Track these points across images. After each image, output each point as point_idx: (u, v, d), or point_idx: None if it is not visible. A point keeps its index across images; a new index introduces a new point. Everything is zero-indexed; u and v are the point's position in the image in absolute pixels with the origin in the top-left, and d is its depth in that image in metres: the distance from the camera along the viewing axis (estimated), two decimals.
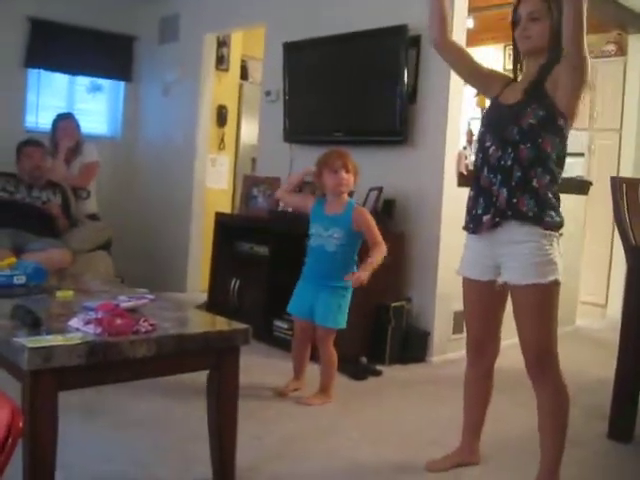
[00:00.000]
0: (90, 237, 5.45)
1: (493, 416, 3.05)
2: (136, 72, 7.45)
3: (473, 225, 2.73)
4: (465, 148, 6.94)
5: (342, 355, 4.18)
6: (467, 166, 4.92)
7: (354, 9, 5.28)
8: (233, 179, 7.43)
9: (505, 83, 2.79)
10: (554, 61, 2.56)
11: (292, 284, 3.94)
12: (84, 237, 5.36)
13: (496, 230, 2.63)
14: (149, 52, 7.38)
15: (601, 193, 5.28)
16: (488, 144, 2.68)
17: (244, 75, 7.66)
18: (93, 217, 5.88)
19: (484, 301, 2.81)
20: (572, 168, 5.72)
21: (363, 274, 3.63)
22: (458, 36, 4.74)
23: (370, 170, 4.98)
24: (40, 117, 6.79)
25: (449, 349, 4.81)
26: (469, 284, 2.83)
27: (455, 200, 4.73)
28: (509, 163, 2.59)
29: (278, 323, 4.89)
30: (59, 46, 6.75)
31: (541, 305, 2.60)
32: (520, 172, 2.57)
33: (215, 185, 7.15)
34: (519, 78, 2.78)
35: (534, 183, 2.56)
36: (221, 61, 7.14)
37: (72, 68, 6.99)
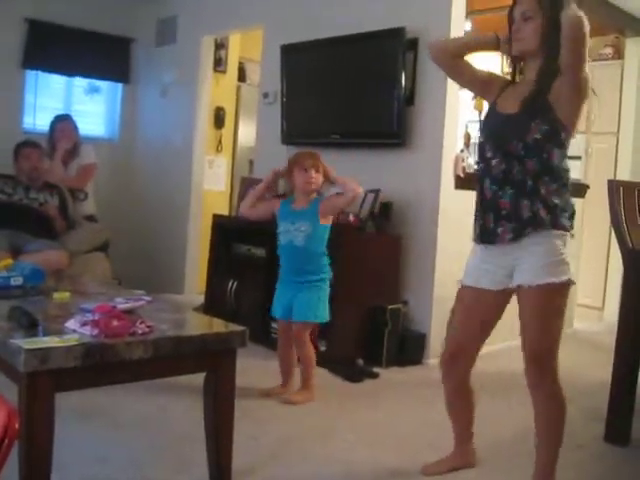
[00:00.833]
0: (87, 239, 5.45)
1: (488, 419, 3.05)
2: (134, 74, 7.45)
3: (488, 239, 2.69)
4: (462, 151, 6.93)
5: (338, 357, 4.19)
6: (464, 169, 4.92)
7: (352, 11, 5.29)
8: (230, 181, 7.43)
9: (502, 86, 2.77)
10: (552, 69, 2.55)
11: None
12: (81, 238, 5.36)
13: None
14: (147, 54, 7.38)
15: (598, 196, 5.28)
16: (489, 155, 2.67)
17: (242, 77, 7.67)
18: (91, 219, 5.88)
19: (485, 311, 2.78)
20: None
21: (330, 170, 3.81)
22: None
23: (367, 172, 4.99)
24: (38, 118, 6.79)
25: None
26: (473, 293, 2.78)
27: (452, 203, 4.74)
28: (517, 176, 2.59)
29: (275, 325, 4.87)
30: (57, 47, 6.76)
31: (551, 305, 2.58)
32: (529, 184, 2.57)
33: (213, 187, 7.16)
34: (517, 79, 2.77)
35: (544, 192, 2.57)
36: (219, 63, 7.15)
37: (70, 69, 6.99)
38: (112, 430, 3.20)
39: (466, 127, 7.26)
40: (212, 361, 2.47)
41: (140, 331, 2.25)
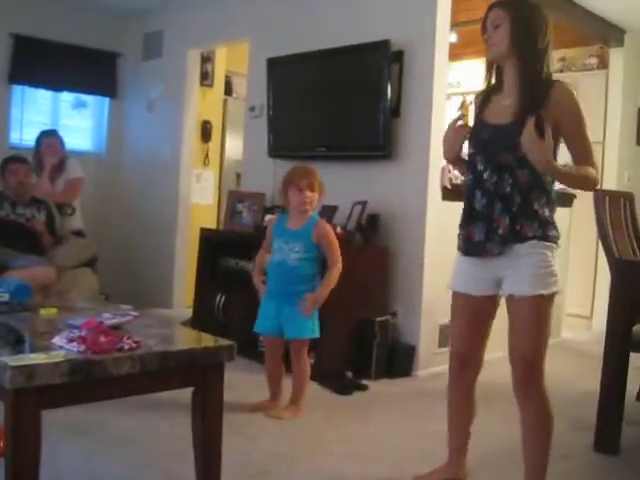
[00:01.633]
0: (75, 254, 5.43)
1: (480, 430, 3.04)
2: (120, 88, 7.45)
3: (475, 251, 2.70)
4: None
5: (327, 370, 4.17)
6: (451, 180, 4.93)
7: (337, 25, 5.32)
8: (218, 194, 7.43)
9: (484, 98, 2.80)
10: (531, 72, 2.60)
11: None
12: (69, 254, 5.34)
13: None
14: (133, 68, 7.39)
15: (585, 206, 5.29)
16: (481, 167, 2.69)
17: (228, 91, 7.68)
18: (78, 233, 5.85)
19: (476, 316, 2.80)
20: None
21: (319, 296, 3.72)
22: (441, 51, 4.79)
23: (354, 185, 5.00)
24: (24, 133, 6.79)
25: (435, 363, 4.81)
26: (462, 299, 2.81)
27: (439, 214, 4.74)
28: (508, 190, 2.61)
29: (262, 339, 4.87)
30: (43, 62, 6.76)
31: (539, 317, 2.60)
32: (520, 198, 2.60)
33: (200, 200, 7.15)
34: (493, 81, 2.79)
35: (535, 206, 2.60)
36: (205, 77, 7.16)
37: (56, 84, 6.99)
38: (100, 447, 3.18)
39: None
40: (200, 376, 2.45)
41: (127, 346, 2.23)
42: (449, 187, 4.87)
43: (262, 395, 3.96)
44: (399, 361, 4.72)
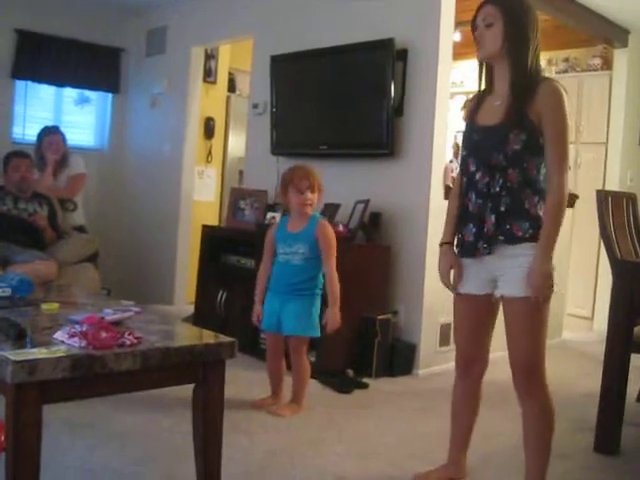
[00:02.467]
0: (76, 249, 5.42)
1: (481, 430, 3.04)
2: (123, 84, 7.45)
3: (468, 252, 2.72)
4: (452, 161, 6.96)
5: (328, 368, 4.17)
6: (453, 179, 4.93)
7: (341, 22, 5.31)
8: (220, 191, 7.43)
9: (477, 102, 2.80)
10: (521, 74, 2.60)
11: None
12: (70, 249, 5.34)
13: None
14: (137, 64, 7.39)
15: (587, 206, 5.30)
16: (473, 169, 2.69)
17: (232, 87, 7.68)
18: (80, 229, 5.85)
19: (477, 316, 2.80)
20: None
21: (335, 314, 3.72)
22: (445, 50, 4.78)
23: (357, 183, 5.00)
24: (27, 129, 6.79)
25: (436, 362, 4.81)
26: (463, 299, 2.82)
27: (442, 213, 4.66)
28: (497, 189, 2.61)
29: (264, 335, 4.86)
30: (47, 58, 6.77)
31: (532, 318, 2.59)
32: (510, 197, 2.59)
33: (202, 197, 7.16)
34: (483, 85, 2.79)
35: (526, 205, 2.59)
36: (209, 73, 7.16)
37: (59, 80, 6.99)
38: (100, 442, 3.17)
39: (455, 137, 7.29)
40: (201, 372, 2.45)
41: (128, 342, 2.23)
42: (451, 186, 4.86)
43: (263, 392, 3.96)
44: (400, 360, 4.72)
